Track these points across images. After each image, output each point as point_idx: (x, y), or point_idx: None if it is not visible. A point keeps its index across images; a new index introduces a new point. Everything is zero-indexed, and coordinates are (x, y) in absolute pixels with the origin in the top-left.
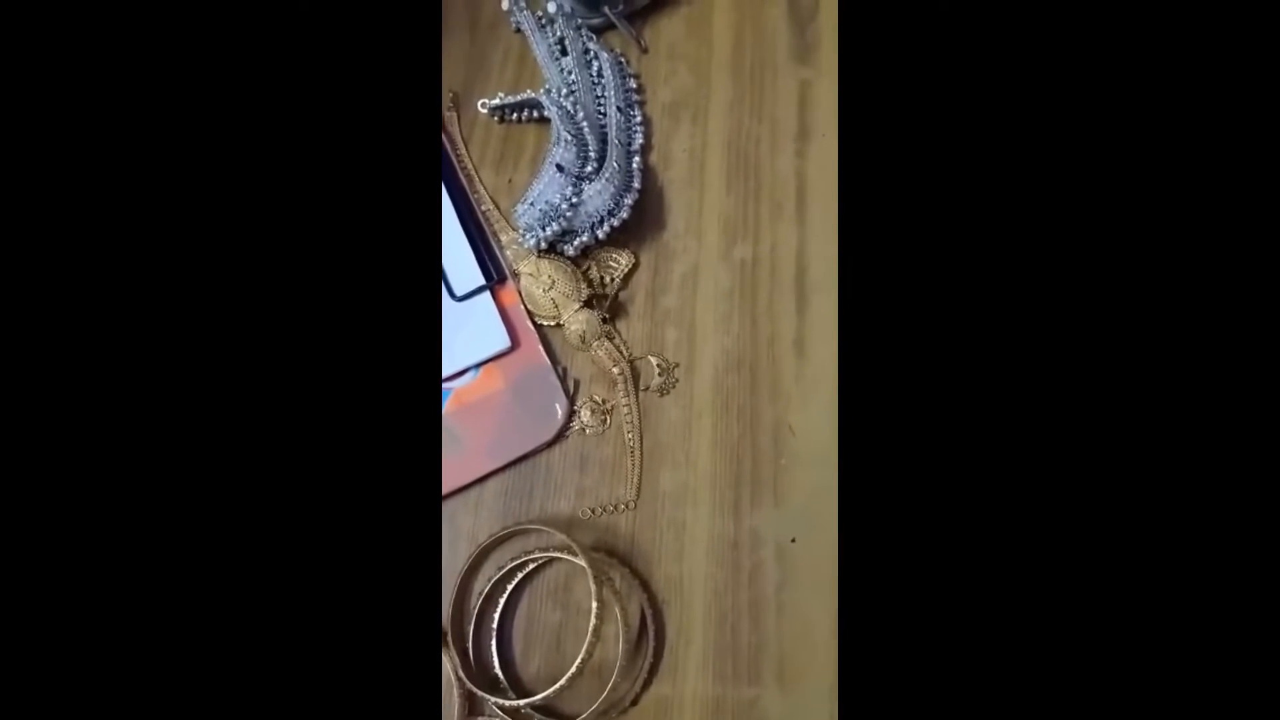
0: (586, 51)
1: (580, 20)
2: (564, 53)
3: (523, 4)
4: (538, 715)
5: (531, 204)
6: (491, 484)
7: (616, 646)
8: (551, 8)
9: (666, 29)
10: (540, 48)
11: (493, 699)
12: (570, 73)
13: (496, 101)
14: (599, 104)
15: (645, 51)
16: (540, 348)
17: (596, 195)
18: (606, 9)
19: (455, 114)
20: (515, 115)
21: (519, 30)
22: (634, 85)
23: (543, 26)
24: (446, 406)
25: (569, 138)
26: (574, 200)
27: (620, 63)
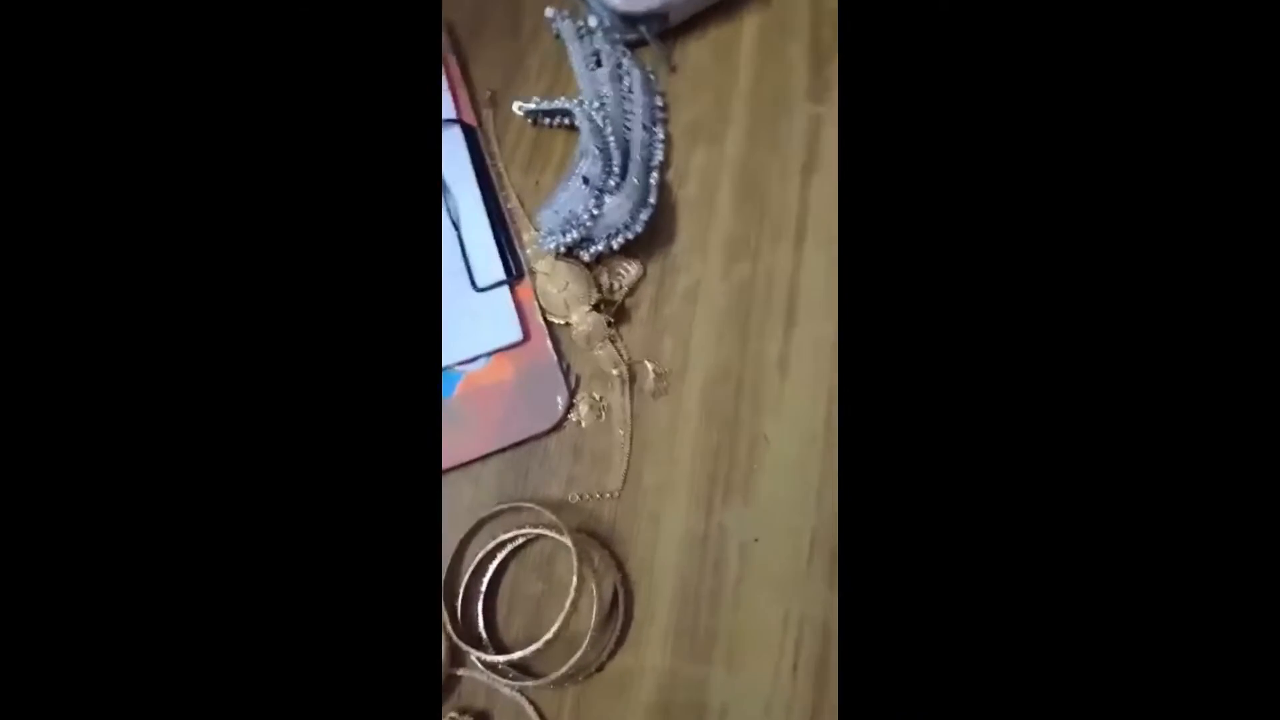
0: (619, 65)
1: (618, 35)
2: (599, 64)
3: (565, 13)
4: (513, 671)
5: (555, 211)
6: (492, 462)
7: (589, 619)
8: (593, 21)
9: (695, 52)
10: (577, 57)
11: (475, 653)
12: (603, 85)
13: (532, 105)
14: (626, 118)
15: (674, 70)
16: (549, 343)
17: (615, 209)
18: (642, 27)
19: (492, 112)
20: (548, 120)
21: (558, 37)
22: (660, 104)
23: (581, 37)
24: (458, 388)
25: (596, 152)
26: (595, 212)
27: (650, 80)
